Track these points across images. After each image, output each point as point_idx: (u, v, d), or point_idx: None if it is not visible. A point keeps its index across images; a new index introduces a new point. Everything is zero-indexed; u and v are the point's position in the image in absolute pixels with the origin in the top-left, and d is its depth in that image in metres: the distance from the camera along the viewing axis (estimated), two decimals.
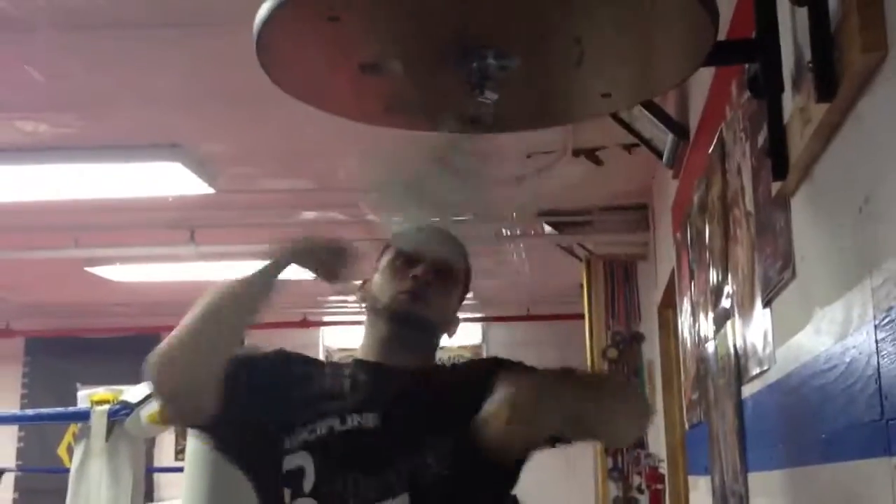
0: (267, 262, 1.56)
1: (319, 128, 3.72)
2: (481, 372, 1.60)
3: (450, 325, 1.71)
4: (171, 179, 4.48)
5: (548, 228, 5.66)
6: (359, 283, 1.73)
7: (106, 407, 4.01)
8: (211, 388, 1.44)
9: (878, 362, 1.19)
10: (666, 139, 3.46)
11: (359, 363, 1.65)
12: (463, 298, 1.74)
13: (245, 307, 1.53)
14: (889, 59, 1.13)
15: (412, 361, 1.64)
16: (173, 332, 1.47)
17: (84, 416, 4.15)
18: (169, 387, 1.48)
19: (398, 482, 1.48)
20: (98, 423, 4.04)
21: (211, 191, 4.63)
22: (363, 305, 1.72)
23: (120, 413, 4.05)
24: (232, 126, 4.13)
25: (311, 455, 1.50)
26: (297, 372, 1.63)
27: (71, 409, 4.65)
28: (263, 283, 1.55)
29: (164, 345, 1.46)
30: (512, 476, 1.66)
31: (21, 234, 5.52)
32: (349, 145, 4.19)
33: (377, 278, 1.70)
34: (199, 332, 1.46)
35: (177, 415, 1.57)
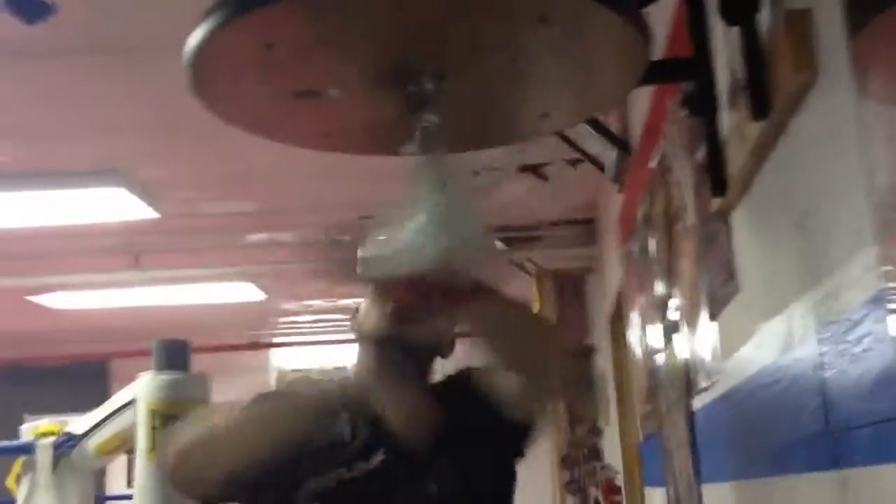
0: (318, 401, 1.55)
1: (261, 151, 3.68)
2: (465, 385, 1.64)
3: (443, 347, 1.68)
4: (114, 204, 4.41)
5: (498, 244, 5.67)
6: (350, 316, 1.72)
7: (51, 440, 3.91)
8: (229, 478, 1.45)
9: (822, 375, 1.20)
10: (610, 154, 3.48)
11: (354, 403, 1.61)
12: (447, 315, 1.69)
13: (285, 431, 1.50)
14: (819, 79, 1.14)
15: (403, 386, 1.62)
16: (201, 431, 1.48)
17: (28, 449, 4.05)
18: (188, 480, 1.48)
19: None
20: (44, 457, 3.95)
21: (155, 215, 4.58)
22: (355, 335, 1.70)
23: (66, 445, 3.96)
24: (173, 151, 4.08)
25: None
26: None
27: (14, 443, 4.54)
28: (311, 418, 1.52)
29: (190, 441, 1.47)
30: (512, 485, 1.69)
31: None
32: (292, 168, 4.18)
33: (364, 305, 1.68)
34: (236, 442, 1.47)
35: (187, 492, 1.53)
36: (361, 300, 1.71)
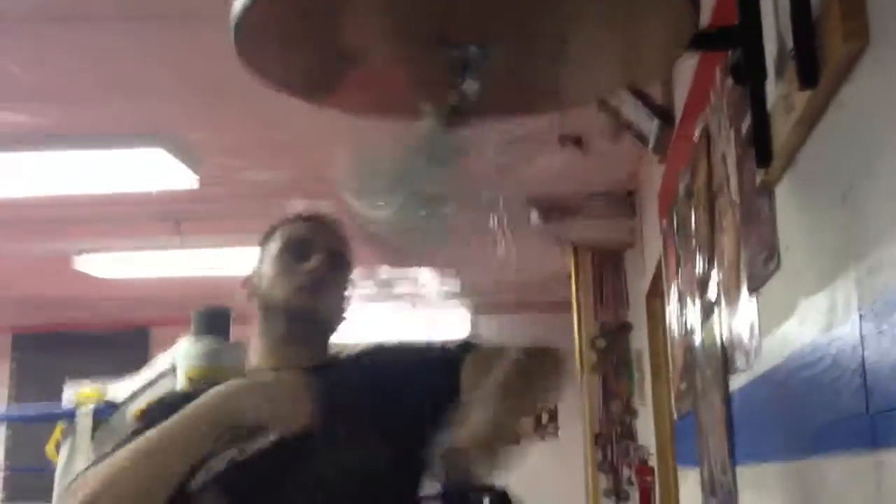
0: (207, 411, 1.40)
1: (304, 118, 3.69)
2: (381, 363, 1.61)
3: (343, 315, 1.64)
4: (156, 169, 4.43)
5: (534, 217, 5.64)
6: (242, 280, 1.64)
7: (91, 406, 3.97)
8: None
9: (863, 355, 1.18)
10: (652, 125, 3.44)
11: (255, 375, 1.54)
12: (349, 283, 1.66)
13: (183, 455, 1.37)
14: (870, 48, 1.12)
15: (310, 359, 1.58)
16: (100, 469, 1.35)
17: (69, 415, 4.12)
18: None
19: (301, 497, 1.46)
20: (83, 423, 4.01)
21: (196, 184, 4.61)
22: (256, 304, 1.62)
23: (105, 411, 4.02)
24: (217, 116, 4.10)
25: (213, 494, 1.43)
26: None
27: (55, 409, 4.61)
28: (203, 435, 1.39)
29: (89, 481, 1.33)
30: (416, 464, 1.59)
31: (5, 228, 5.49)
32: (334, 135, 4.16)
33: (266, 272, 1.61)
34: (130, 475, 1.34)
35: None
36: (254, 267, 1.64)
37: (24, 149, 4.19)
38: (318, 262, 1.59)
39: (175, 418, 1.38)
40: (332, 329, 1.64)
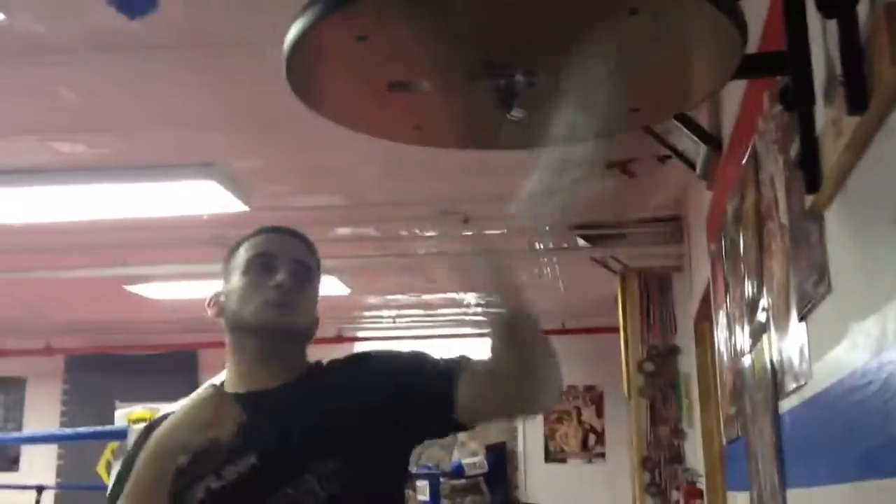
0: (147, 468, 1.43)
1: (351, 145, 3.75)
2: (366, 372, 1.54)
3: (314, 327, 1.59)
4: (205, 197, 4.53)
5: (581, 242, 5.64)
6: (207, 300, 1.60)
7: (142, 425, 4.04)
8: None
9: None
10: (699, 150, 3.43)
11: (235, 399, 1.50)
12: (317, 292, 1.63)
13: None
14: None
15: (285, 376, 1.54)
16: None
17: (121, 434, 4.19)
18: None
19: None
20: None
21: (245, 208, 4.68)
22: (224, 323, 1.57)
23: None
24: (264, 144, 4.17)
25: None
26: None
27: (108, 428, 4.69)
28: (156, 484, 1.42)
29: None
30: (401, 479, 1.59)
31: (60, 253, 5.60)
32: (380, 162, 4.23)
33: (233, 289, 1.56)
34: None
35: None
36: (219, 288, 1.60)
37: (79, 180, 4.29)
38: (286, 275, 1.54)
39: (131, 482, 1.43)
40: (307, 341, 1.58)
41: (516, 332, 1.40)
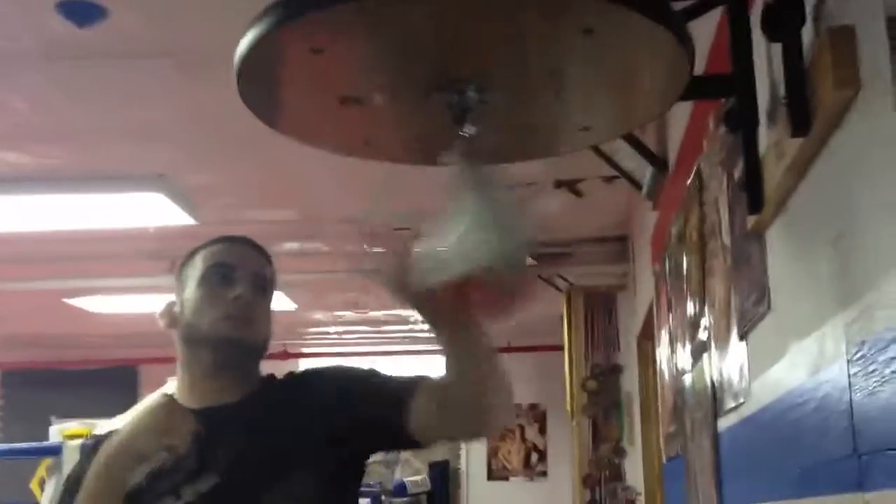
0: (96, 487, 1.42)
1: (303, 160, 3.73)
2: (323, 387, 1.52)
3: (269, 341, 1.55)
4: (153, 210, 4.47)
5: (528, 259, 5.67)
6: (160, 310, 1.56)
7: (78, 442, 3.96)
8: None
9: (851, 397, 1.20)
10: (645, 171, 3.48)
11: (187, 414, 1.48)
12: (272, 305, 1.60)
13: None
14: (861, 96, 1.15)
15: (240, 391, 1.51)
16: None
17: (55, 451, 4.10)
18: None
19: None
20: (70, 458, 4.00)
21: (193, 221, 4.63)
22: (176, 336, 1.53)
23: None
24: (215, 157, 4.13)
25: None
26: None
27: (43, 444, 4.59)
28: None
29: None
30: (355, 495, 1.59)
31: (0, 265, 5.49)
32: (333, 177, 4.22)
33: (189, 300, 1.51)
34: None
35: None
36: (171, 298, 1.56)
37: (25, 190, 4.22)
38: (245, 288, 1.50)
39: (83, 495, 1.40)
40: (262, 355, 1.55)
41: (465, 352, 1.39)
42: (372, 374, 1.54)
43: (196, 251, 1.58)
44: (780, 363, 1.58)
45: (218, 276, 1.52)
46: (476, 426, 1.48)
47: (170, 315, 1.54)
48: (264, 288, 1.56)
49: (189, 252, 1.59)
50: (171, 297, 1.58)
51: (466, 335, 1.38)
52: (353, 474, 1.56)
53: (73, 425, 4.25)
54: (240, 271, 1.53)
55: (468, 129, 1.35)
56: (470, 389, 1.39)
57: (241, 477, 1.43)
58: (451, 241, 1.26)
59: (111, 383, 8.33)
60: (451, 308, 1.34)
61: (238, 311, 1.49)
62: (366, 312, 7.56)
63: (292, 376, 1.59)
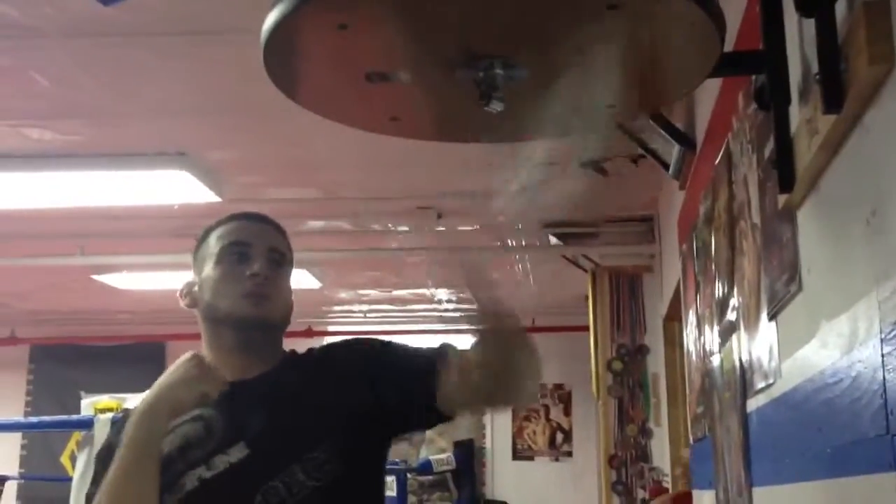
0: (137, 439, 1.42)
1: (326, 137, 3.73)
2: (345, 361, 1.53)
3: (290, 314, 1.57)
4: (177, 188, 4.49)
5: (553, 240, 5.65)
6: (179, 290, 1.58)
7: (109, 415, 4.00)
8: None
9: (884, 376, 1.18)
10: (672, 150, 3.45)
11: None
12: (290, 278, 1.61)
13: (146, 479, 1.42)
14: None
15: (263, 366, 1.52)
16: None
17: (87, 424, 4.14)
18: None
19: None
20: (101, 432, 4.02)
21: (217, 199, 4.65)
22: (198, 314, 1.55)
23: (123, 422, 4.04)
24: (239, 135, 4.14)
25: None
26: None
27: (74, 417, 4.65)
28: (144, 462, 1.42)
29: None
30: (381, 469, 1.60)
31: (27, 241, 5.54)
32: (356, 155, 4.21)
33: (207, 279, 1.53)
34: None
35: None
36: (190, 278, 1.58)
37: (48, 167, 4.24)
38: (261, 263, 1.51)
39: (121, 448, 1.42)
40: (283, 330, 1.57)
41: (497, 329, 1.40)
42: (394, 347, 1.55)
43: (210, 230, 1.59)
44: (812, 343, 1.56)
45: (234, 255, 1.53)
46: (503, 395, 1.49)
47: (190, 295, 1.56)
48: (280, 262, 1.57)
49: (203, 231, 1.60)
50: (190, 277, 1.60)
51: (507, 314, 1.41)
52: (379, 449, 1.57)
53: (105, 399, 4.29)
54: (255, 248, 1.54)
55: (495, 106, 1.34)
56: (503, 361, 1.40)
57: (268, 449, 1.44)
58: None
59: (138, 359, 8.39)
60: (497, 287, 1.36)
61: (256, 289, 1.50)
62: (390, 291, 7.58)
63: (314, 351, 1.60)
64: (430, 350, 1.51)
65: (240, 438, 1.44)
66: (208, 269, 1.54)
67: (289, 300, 1.57)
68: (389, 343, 1.57)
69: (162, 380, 1.47)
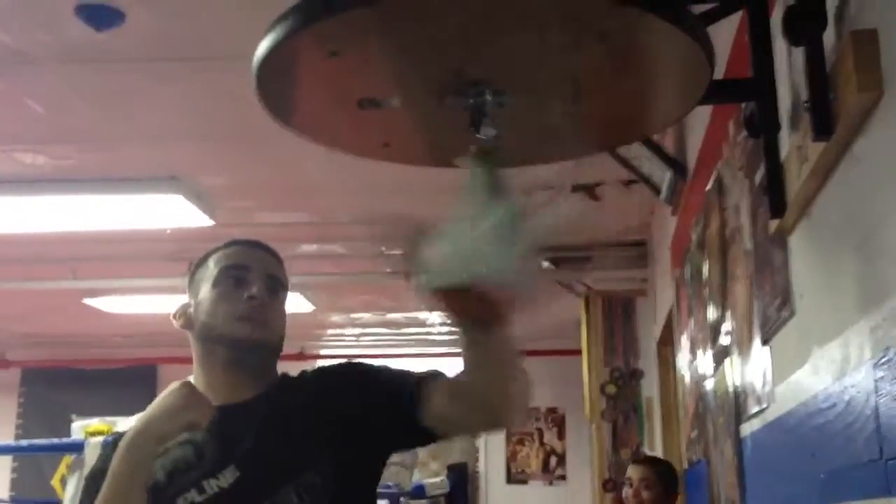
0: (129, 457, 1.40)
1: (318, 162, 3.74)
2: (336, 382, 1.53)
3: (283, 340, 1.57)
4: (170, 211, 4.49)
5: (546, 264, 5.65)
6: (174, 312, 1.58)
7: (100, 439, 3.98)
8: None
9: (877, 402, 1.18)
10: (664, 175, 3.47)
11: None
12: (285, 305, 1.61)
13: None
14: (884, 100, 1.14)
15: (256, 389, 1.52)
16: None
17: (78, 447, 4.12)
18: None
19: None
20: (92, 455, 4.01)
21: (210, 223, 4.64)
22: (191, 335, 1.55)
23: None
24: (232, 159, 4.14)
25: None
26: None
27: (65, 440, 4.62)
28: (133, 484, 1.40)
29: None
30: (373, 492, 1.58)
31: (20, 265, 5.52)
32: (347, 179, 4.22)
33: (203, 301, 1.54)
34: None
35: None
36: (185, 300, 1.58)
37: (42, 191, 4.24)
38: (259, 288, 1.52)
39: (108, 480, 1.39)
40: (277, 355, 1.56)
41: (486, 346, 1.39)
42: (384, 369, 1.55)
43: (209, 254, 1.60)
44: (804, 368, 1.56)
45: (232, 278, 1.54)
46: (490, 418, 1.47)
47: (185, 316, 1.56)
48: (277, 289, 1.58)
49: (202, 255, 1.61)
50: (186, 299, 1.60)
51: (490, 330, 1.37)
52: (370, 472, 1.56)
53: (95, 422, 4.27)
54: (253, 273, 1.55)
55: (485, 133, 1.34)
56: (488, 380, 1.39)
57: (259, 472, 1.43)
58: (462, 245, 1.25)
59: (130, 382, 8.36)
60: (478, 304, 1.33)
61: (252, 312, 1.51)
62: (383, 315, 7.56)
63: (305, 374, 1.60)
64: (420, 371, 1.51)
65: (230, 461, 1.44)
66: (205, 290, 1.55)
67: (283, 327, 1.57)
68: (377, 366, 1.56)
69: (149, 410, 1.44)
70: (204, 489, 1.42)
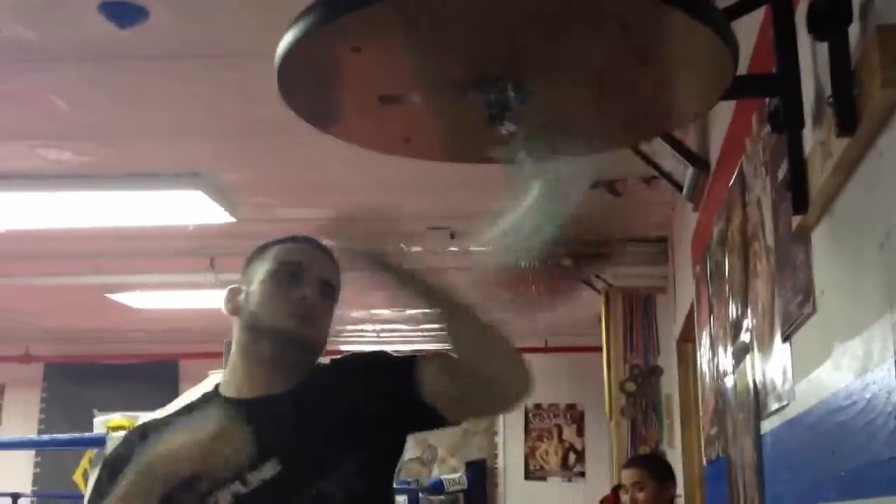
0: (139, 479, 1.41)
1: (339, 158, 3.75)
2: (360, 370, 1.58)
3: (325, 345, 1.61)
4: (191, 207, 4.52)
5: (565, 260, 5.64)
6: (226, 292, 1.60)
7: (122, 433, 4.01)
8: None
9: None
10: (686, 172, 3.45)
11: (240, 405, 1.51)
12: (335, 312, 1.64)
13: None
14: None
15: (292, 382, 1.54)
16: None
17: (100, 441, 4.16)
18: None
19: None
20: None
21: (231, 219, 4.66)
22: (237, 322, 1.57)
23: None
24: (253, 155, 4.16)
25: None
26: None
27: (87, 434, 4.66)
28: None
29: None
30: (392, 478, 1.63)
31: (42, 260, 5.57)
32: (369, 175, 4.23)
33: (256, 291, 1.56)
34: None
35: None
36: (237, 284, 1.60)
37: (65, 187, 4.27)
38: (312, 290, 1.55)
39: (120, 486, 1.39)
40: (318, 354, 1.59)
41: (458, 328, 1.48)
42: (392, 354, 1.61)
43: (269, 245, 1.62)
44: (826, 365, 1.56)
45: (287, 274, 1.56)
46: (492, 394, 1.52)
47: (234, 302, 1.58)
48: (329, 295, 1.61)
49: (261, 245, 1.63)
50: (232, 285, 1.62)
51: (456, 306, 1.49)
52: (394, 458, 1.60)
53: (117, 417, 4.31)
54: (308, 273, 1.57)
55: (507, 128, 1.35)
56: (474, 357, 1.47)
57: (298, 464, 1.46)
58: (501, 234, 1.29)
59: (152, 377, 8.42)
60: (433, 284, 1.48)
61: (303, 310, 1.54)
62: (403, 310, 7.57)
63: (335, 362, 1.63)
64: (424, 351, 1.58)
65: (272, 454, 1.45)
66: (258, 281, 1.57)
67: (328, 331, 1.61)
68: (400, 356, 1.60)
69: (178, 434, 1.42)
70: (248, 481, 1.43)
